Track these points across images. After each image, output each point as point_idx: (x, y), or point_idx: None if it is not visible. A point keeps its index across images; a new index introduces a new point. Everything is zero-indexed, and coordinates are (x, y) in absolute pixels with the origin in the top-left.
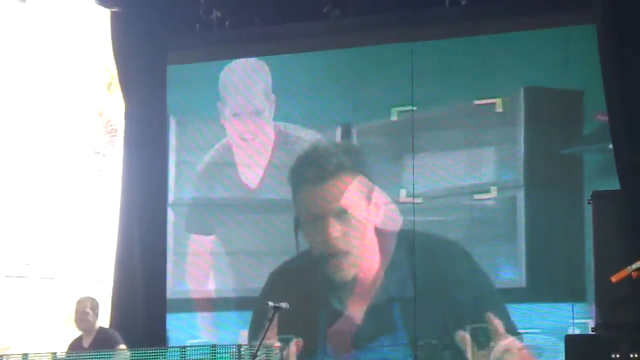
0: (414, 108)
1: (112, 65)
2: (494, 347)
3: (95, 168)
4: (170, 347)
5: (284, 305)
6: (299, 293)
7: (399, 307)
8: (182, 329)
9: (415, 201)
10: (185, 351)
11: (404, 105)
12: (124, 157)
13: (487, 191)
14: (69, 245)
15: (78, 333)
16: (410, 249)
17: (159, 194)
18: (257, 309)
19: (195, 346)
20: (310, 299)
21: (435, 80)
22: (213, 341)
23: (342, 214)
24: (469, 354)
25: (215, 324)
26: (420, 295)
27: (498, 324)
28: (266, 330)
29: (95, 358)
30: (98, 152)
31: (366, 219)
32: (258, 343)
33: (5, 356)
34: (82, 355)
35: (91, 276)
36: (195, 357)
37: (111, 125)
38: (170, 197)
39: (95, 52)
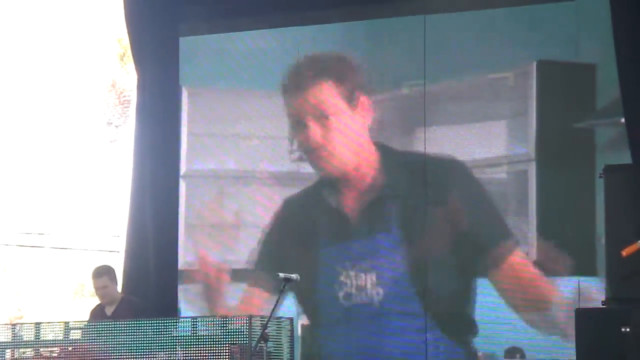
0: (426, 81)
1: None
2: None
3: (108, 139)
4: (181, 318)
5: (294, 276)
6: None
7: (395, 205)
8: (194, 301)
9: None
10: (196, 322)
11: (415, 78)
12: (136, 128)
13: (499, 165)
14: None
15: (91, 302)
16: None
17: (171, 165)
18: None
19: (206, 317)
20: (309, 203)
21: (448, 54)
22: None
23: (321, 119)
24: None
25: (227, 295)
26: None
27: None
28: (277, 302)
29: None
30: (111, 123)
31: (349, 122)
32: (269, 314)
33: (18, 325)
34: (96, 324)
35: (103, 246)
36: (206, 328)
37: (124, 96)
38: (182, 169)
39: (108, 23)
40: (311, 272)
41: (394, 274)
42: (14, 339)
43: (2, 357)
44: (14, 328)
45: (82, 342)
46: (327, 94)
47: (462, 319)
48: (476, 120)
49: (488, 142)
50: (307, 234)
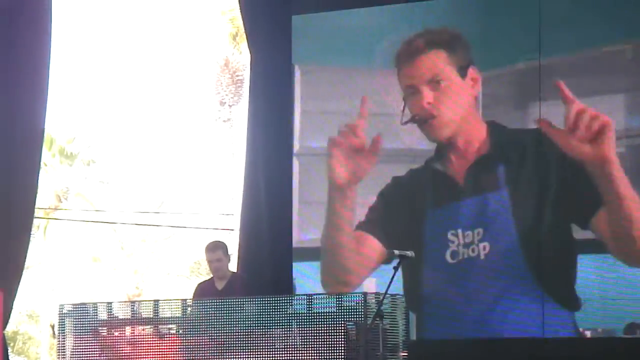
0: (541, 55)
1: (238, 16)
2: (569, 112)
3: (222, 118)
4: (297, 295)
5: (409, 253)
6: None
7: (504, 167)
8: (308, 277)
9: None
10: (311, 299)
11: (531, 52)
12: (250, 107)
13: (617, 139)
14: (197, 194)
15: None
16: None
17: (284, 143)
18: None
19: (321, 294)
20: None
21: (563, 27)
22: None
23: (433, 83)
24: (554, 137)
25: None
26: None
27: (566, 90)
28: (392, 279)
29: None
30: (224, 103)
31: (459, 89)
32: (384, 291)
33: (137, 302)
34: (211, 302)
35: (218, 225)
36: (322, 305)
37: (237, 75)
38: (295, 147)
39: (221, 3)
40: (419, 234)
41: (502, 232)
42: (133, 316)
43: (122, 333)
44: (133, 305)
45: (198, 319)
46: (440, 62)
47: (567, 288)
48: (593, 94)
49: (605, 115)
50: (415, 198)
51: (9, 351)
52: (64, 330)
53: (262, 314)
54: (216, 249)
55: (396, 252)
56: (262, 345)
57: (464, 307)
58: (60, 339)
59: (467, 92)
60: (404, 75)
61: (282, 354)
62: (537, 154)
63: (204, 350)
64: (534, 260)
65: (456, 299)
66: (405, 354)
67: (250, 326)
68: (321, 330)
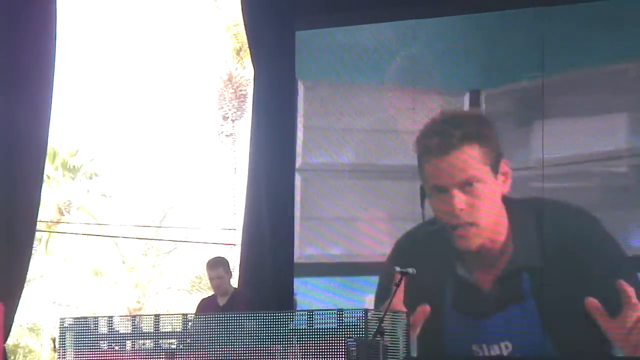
0: (544, 73)
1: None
2: (626, 316)
3: (225, 133)
4: (298, 311)
5: (410, 270)
6: (425, 261)
7: (528, 276)
8: (309, 294)
9: (544, 168)
10: (312, 315)
11: (533, 70)
12: (253, 122)
13: (619, 158)
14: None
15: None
16: (539, 217)
17: (286, 158)
18: (384, 274)
19: (322, 310)
20: (437, 267)
21: (566, 45)
22: (339, 306)
23: (466, 186)
24: (600, 322)
25: (341, 288)
26: (549, 264)
27: (631, 291)
28: (393, 296)
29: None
30: (227, 117)
31: (492, 190)
32: (385, 308)
33: (137, 316)
34: (212, 317)
35: (219, 240)
36: (323, 321)
37: (240, 90)
38: (298, 162)
39: (225, 18)
40: (442, 345)
41: (530, 347)
42: (134, 330)
43: (122, 347)
44: (134, 319)
45: (199, 334)
46: (474, 160)
47: None
48: (596, 112)
49: (608, 135)
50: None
51: None
52: (64, 343)
53: (263, 329)
54: (217, 266)
55: (397, 269)
56: None
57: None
58: (61, 353)
59: (498, 191)
60: (432, 170)
61: None
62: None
63: None
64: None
65: None
66: None
67: (251, 341)
68: (322, 346)
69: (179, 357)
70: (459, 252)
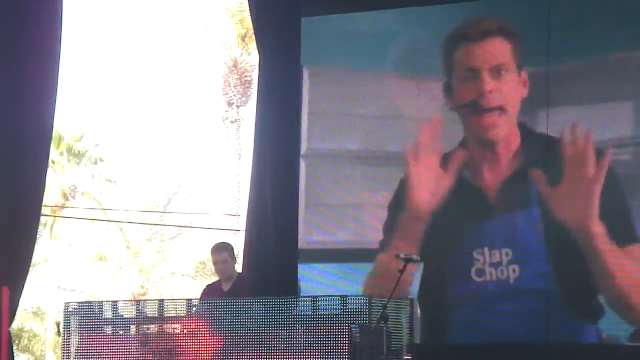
0: (549, 60)
1: (247, 17)
2: None
3: (230, 119)
4: (301, 297)
5: (414, 257)
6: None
7: (535, 186)
8: (313, 279)
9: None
10: (316, 301)
11: (539, 57)
12: (258, 108)
13: (624, 146)
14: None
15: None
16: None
17: (291, 144)
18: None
19: (326, 296)
20: None
21: (572, 33)
22: (344, 292)
23: (496, 72)
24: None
25: (345, 275)
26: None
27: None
28: (397, 282)
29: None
30: (232, 104)
31: (516, 85)
32: (389, 295)
33: (142, 301)
34: (216, 302)
35: (224, 225)
36: (326, 307)
37: (245, 77)
38: (303, 148)
39: (230, 4)
40: (444, 250)
41: (532, 253)
42: (138, 315)
43: (127, 332)
44: (138, 304)
45: (203, 319)
46: (507, 50)
47: (590, 300)
48: (601, 100)
49: (613, 122)
50: (443, 209)
51: (13, 348)
52: (69, 328)
53: (267, 315)
54: (222, 251)
55: (402, 255)
56: (267, 346)
57: (485, 317)
58: (66, 337)
59: (519, 90)
60: (465, 54)
61: (286, 355)
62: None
63: (208, 351)
64: (563, 277)
65: (480, 316)
66: (409, 357)
67: (255, 327)
68: (325, 331)
69: (182, 342)
70: (473, 148)
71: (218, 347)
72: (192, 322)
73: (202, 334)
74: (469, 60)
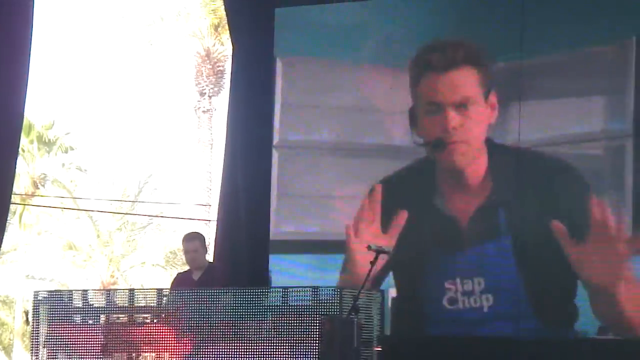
0: (522, 54)
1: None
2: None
3: (202, 109)
4: (272, 288)
5: (386, 249)
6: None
7: (504, 212)
8: (285, 271)
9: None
10: (287, 292)
11: (512, 51)
12: (231, 98)
13: (595, 140)
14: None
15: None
16: (519, 160)
17: (264, 135)
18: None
19: (297, 287)
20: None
21: (545, 27)
22: (315, 283)
23: (460, 106)
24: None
25: (316, 266)
26: (524, 200)
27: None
28: (368, 274)
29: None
30: (205, 93)
31: (483, 116)
32: (360, 286)
33: (112, 290)
34: (186, 292)
35: (194, 215)
36: (297, 298)
37: (218, 66)
38: (275, 139)
39: None
40: (417, 279)
41: (503, 282)
42: (108, 304)
43: (97, 321)
44: (109, 294)
45: (173, 310)
46: (472, 83)
47: (567, 305)
48: (573, 94)
49: (584, 117)
50: (415, 237)
51: None
52: (38, 317)
53: (238, 306)
54: (193, 240)
55: (373, 246)
56: (237, 337)
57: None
58: (35, 326)
59: (486, 118)
60: (428, 87)
61: (256, 345)
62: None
63: (178, 340)
64: (536, 298)
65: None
66: (380, 348)
67: (225, 317)
68: (296, 323)
69: (155, 332)
70: (442, 176)
71: (188, 351)
72: (162, 326)
73: (169, 340)
74: (433, 94)
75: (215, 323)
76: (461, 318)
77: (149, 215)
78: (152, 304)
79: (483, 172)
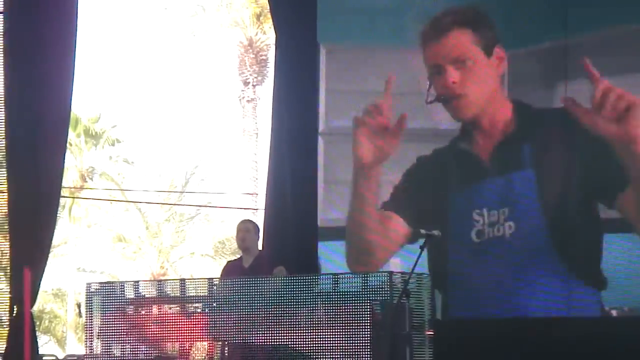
0: (567, 34)
1: None
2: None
3: (246, 98)
4: (323, 274)
5: (436, 232)
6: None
7: (529, 148)
8: (333, 257)
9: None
10: (337, 278)
11: (556, 31)
12: (275, 86)
13: None
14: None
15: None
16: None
17: (309, 122)
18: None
19: (347, 273)
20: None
21: (590, 5)
22: None
23: (458, 63)
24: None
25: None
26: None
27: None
28: (418, 258)
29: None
30: (248, 83)
31: (485, 69)
32: (410, 270)
33: (163, 281)
34: (238, 280)
35: (242, 204)
36: (347, 284)
37: (261, 55)
38: (320, 126)
39: None
40: (444, 214)
41: (528, 212)
42: (160, 295)
43: (149, 312)
44: (160, 284)
45: (223, 298)
46: (465, 41)
47: (593, 267)
48: (619, 72)
49: (632, 94)
50: (440, 177)
51: (35, 330)
52: (91, 308)
53: (288, 293)
54: (246, 222)
55: (423, 231)
56: (288, 324)
57: (490, 286)
58: (88, 317)
59: (492, 71)
60: (430, 54)
61: (307, 332)
62: (563, 134)
63: (230, 329)
64: (559, 239)
65: (481, 280)
66: (431, 332)
67: (277, 304)
68: (347, 309)
69: (205, 320)
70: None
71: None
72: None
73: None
74: (434, 59)
75: (266, 310)
76: (485, 251)
77: (196, 206)
78: (204, 294)
79: (504, 123)
